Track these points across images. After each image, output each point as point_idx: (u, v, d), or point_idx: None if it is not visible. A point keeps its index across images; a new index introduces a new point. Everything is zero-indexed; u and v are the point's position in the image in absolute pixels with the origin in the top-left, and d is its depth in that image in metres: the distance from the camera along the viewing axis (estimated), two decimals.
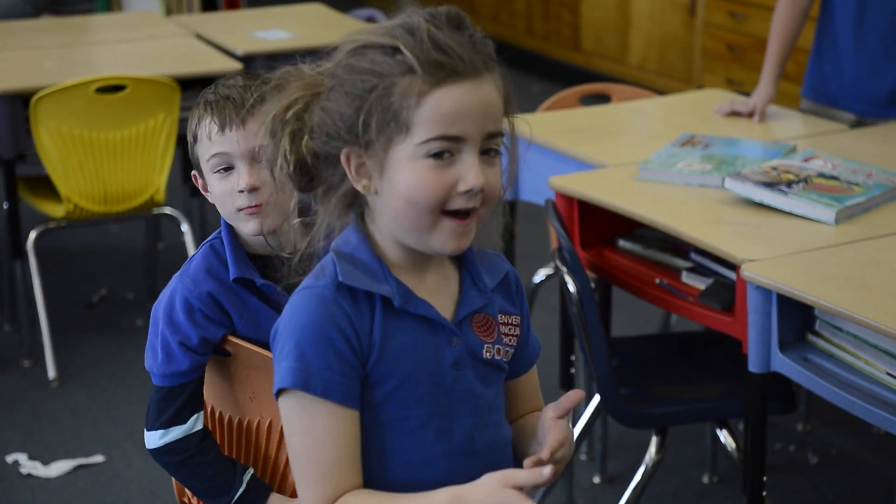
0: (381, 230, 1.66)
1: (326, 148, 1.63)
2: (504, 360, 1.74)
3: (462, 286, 1.71)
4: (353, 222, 1.68)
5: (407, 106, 1.57)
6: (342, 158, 1.62)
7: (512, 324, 1.75)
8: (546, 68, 7.77)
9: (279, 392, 1.63)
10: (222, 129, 2.11)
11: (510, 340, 1.74)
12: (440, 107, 1.57)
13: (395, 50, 1.58)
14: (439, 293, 1.69)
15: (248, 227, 2.14)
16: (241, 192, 2.12)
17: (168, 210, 4.35)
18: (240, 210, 2.13)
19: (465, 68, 1.57)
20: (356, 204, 1.67)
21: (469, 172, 1.58)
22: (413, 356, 1.65)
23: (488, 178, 1.59)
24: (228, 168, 2.14)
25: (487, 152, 1.61)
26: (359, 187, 1.63)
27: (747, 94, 3.97)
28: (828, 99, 3.77)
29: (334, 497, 1.60)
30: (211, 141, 2.13)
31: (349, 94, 1.60)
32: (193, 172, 2.21)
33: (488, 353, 1.71)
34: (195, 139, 2.16)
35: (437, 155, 1.58)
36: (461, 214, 1.60)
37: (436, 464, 1.64)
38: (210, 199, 2.19)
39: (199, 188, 2.20)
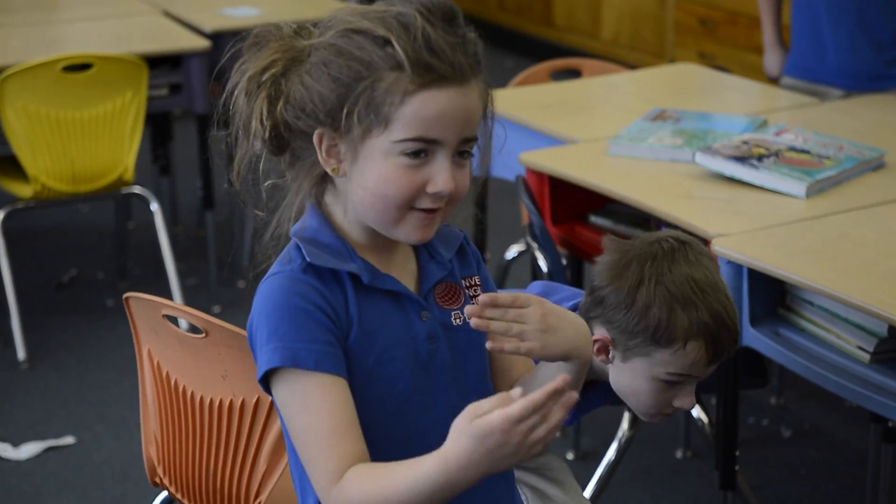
0: (345, 211, 1.66)
1: (300, 124, 1.62)
2: None
3: (420, 261, 1.72)
4: (311, 207, 1.67)
5: (390, 102, 1.57)
6: (315, 138, 1.62)
7: (475, 284, 1.76)
8: (518, 43, 7.74)
9: (267, 378, 1.61)
10: (710, 363, 2.08)
11: (472, 300, 1.74)
12: (423, 109, 1.57)
13: (387, 42, 1.57)
14: (403, 270, 1.70)
15: None
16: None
17: (137, 189, 4.32)
18: None
19: (452, 74, 1.57)
20: (323, 183, 1.65)
21: (440, 176, 1.59)
22: (388, 332, 1.65)
23: (457, 181, 1.61)
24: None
25: (461, 154, 1.61)
26: (327, 168, 1.63)
27: (720, 68, 3.98)
28: (811, 76, 3.78)
29: (343, 466, 1.57)
30: (693, 366, 2.08)
31: (333, 77, 1.59)
32: None
33: (457, 320, 1.71)
34: (667, 344, 2.08)
35: (412, 154, 1.58)
36: (427, 210, 1.61)
37: (423, 439, 1.63)
38: None
39: None
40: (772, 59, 4.02)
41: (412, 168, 1.58)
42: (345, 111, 1.58)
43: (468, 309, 1.57)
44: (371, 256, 1.66)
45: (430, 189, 1.59)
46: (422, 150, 1.58)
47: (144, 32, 4.59)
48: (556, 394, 1.41)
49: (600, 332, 2.06)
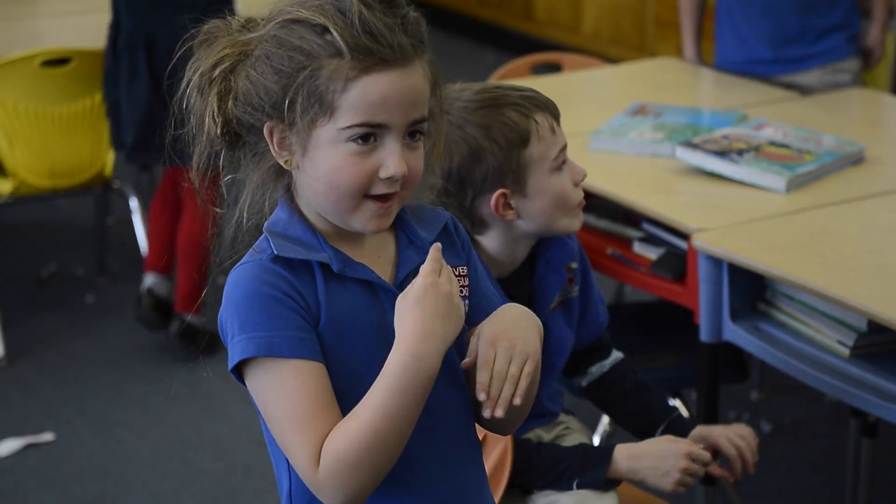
0: (306, 203, 1.66)
1: (249, 119, 1.62)
2: None
3: (399, 247, 1.70)
4: (282, 199, 1.67)
5: (333, 90, 1.56)
6: (265, 131, 1.61)
7: (459, 275, 1.73)
8: (498, 38, 7.74)
9: (240, 368, 1.60)
10: (557, 120, 2.21)
11: (461, 291, 1.72)
12: (366, 94, 1.56)
13: (325, 29, 1.56)
14: (377, 258, 1.68)
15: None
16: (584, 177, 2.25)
17: (117, 185, 4.30)
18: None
19: (393, 56, 1.56)
20: (284, 175, 1.65)
21: (390, 159, 1.58)
22: (360, 320, 1.64)
23: (410, 163, 1.60)
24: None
25: (412, 135, 1.61)
26: (281, 162, 1.63)
27: (701, 62, 3.97)
28: (736, 67, 3.81)
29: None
30: (555, 134, 2.19)
31: (275, 68, 1.58)
32: (504, 190, 2.19)
33: None
34: (526, 141, 2.17)
35: (360, 140, 1.57)
36: (382, 197, 1.61)
37: None
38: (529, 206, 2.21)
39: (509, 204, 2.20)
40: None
41: (362, 154, 1.58)
42: (288, 102, 1.57)
43: (496, 412, 1.56)
44: (343, 245, 1.65)
45: (382, 174, 1.58)
46: (369, 134, 1.57)
47: None
48: (438, 248, 1.58)
49: (487, 200, 2.16)
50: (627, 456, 2.25)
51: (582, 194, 2.24)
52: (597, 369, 2.42)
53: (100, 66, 4.03)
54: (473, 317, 1.72)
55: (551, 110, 2.20)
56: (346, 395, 1.62)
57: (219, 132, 1.63)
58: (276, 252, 1.61)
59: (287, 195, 1.67)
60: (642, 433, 2.39)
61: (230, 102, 1.62)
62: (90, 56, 4.04)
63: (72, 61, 4.02)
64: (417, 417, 1.55)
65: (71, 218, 5.33)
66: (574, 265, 2.32)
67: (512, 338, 1.60)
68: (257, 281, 1.60)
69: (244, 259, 1.64)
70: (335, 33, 1.55)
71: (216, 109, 1.62)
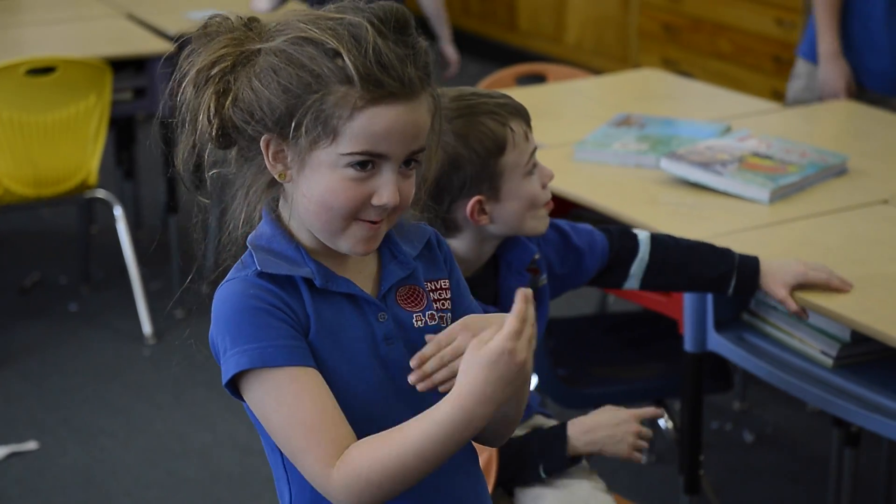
0: (295, 217, 1.65)
1: (248, 128, 1.61)
2: (441, 324, 1.72)
3: (382, 261, 1.71)
4: (266, 213, 1.67)
5: (339, 115, 1.56)
6: (262, 143, 1.61)
7: (441, 288, 1.74)
8: (482, 48, 7.75)
9: (235, 382, 1.60)
10: (529, 127, 2.22)
11: (442, 305, 1.74)
12: (372, 125, 1.57)
13: (337, 54, 1.56)
14: (360, 272, 1.69)
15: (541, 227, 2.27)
16: (551, 179, 2.26)
17: (101, 193, 4.30)
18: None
19: (402, 90, 1.57)
20: (274, 185, 1.65)
21: (385, 189, 1.59)
22: (348, 331, 1.65)
23: (402, 191, 1.61)
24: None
25: (407, 163, 1.62)
26: (274, 174, 1.62)
27: (684, 73, 3.98)
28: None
29: (335, 449, 1.57)
30: (527, 140, 2.21)
31: (283, 85, 1.58)
32: (479, 197, 2.20)
33: (419, 322, 1.70)
34: (503, 149, 2.18)
35: (359, 166, 1.58)
36: (372, 221, 1.62)
37: None
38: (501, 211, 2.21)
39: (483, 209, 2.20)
40: (829, 71, 3.80)
41: (358, 180, 1.58)
42: (293, 122, 1.57)
43: (410, 378, 1.56)
44: (325, 259, 1.66)
45: (376, 202, 1.59)
46: (368, 161, 1.58)
47: (108, 36, 4.57)
48: (528, 299, 1.49)
49: (463, 206, 2.18)
50: (582, 431, 2.29)
51: (549, 195, 2.26)
52: (637, 267, 2.44)
53: (84, 75, 4.03)
54: None
55: (524, 116, 2.22)
56: (341, 402, 1.62)
57: (213, 133, 1.62)
58: (259, 268, 1.62)
59: (272, 208, 1.67)
60: (721, 287, 2.46)
61: (227, 105, 1.61)
62: (75, 65, 4.04)
63: (56, 70, 4.02)
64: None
65: (55, 226, 5.32)
66: (537, 256, 2.33)
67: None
68: (244, 295, 1.60)
69: (230, 275, 1.65)
70: (348, 61, 1.55)
71: (213, 109, 1.61)
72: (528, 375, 1.53)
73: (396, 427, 1.55)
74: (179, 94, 1.65)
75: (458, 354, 1.55)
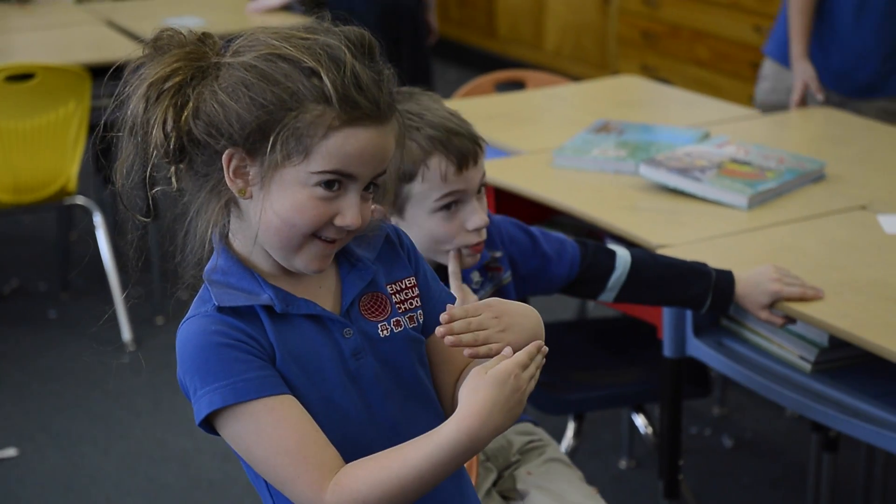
0: (248, 237, 1.64)
1: (210, 141, 1.59)
2: (411, 326, 1.72)
3: (340, 273, 1.70)
4: (217, 244, 1.65)
5: (313, 134, 1.56)
6: (224, 157, 1.59)
7: (406, 287, 1.73)
8: (461, 55, 7.77)
9: (210, 421, 1.60)
10: (460, 168, 2.14)
11: (410, 304, 1.73)
12: (345, 145, 1.57)
13: (314, 73, 1.56)
14: (319, 289, 1.68)
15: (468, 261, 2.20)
16: (476, 230, 2.17)
17: (80, 200, 4.29)
18: (467, 247, 2.18)
19: (377, 113, 1.58)
20: (230, 203, 1.63)
21: (350, 211, 1.60)
22: (313, 353, 1.64)
23: (363, 215, 1.62)
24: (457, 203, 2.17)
25: (367, 187, 1.63)
26: (234, 189, 1.60)
27: (663, 80, 3.99)
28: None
29: (325, 473, 1.56)
30: (445, 181, 2.14)
31: (255, 101, 1.56)
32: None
33: (384, 331, 1.69)
34: (410, 177, 2.14)
35: (327, 185, 1.58)
36: (329, 240, 1.62)
37: (370, 452, 1.62)
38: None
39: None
40: (803, 70, 3.80)
41: (325, 200, 1.58)
42: (266, 138, 1.56)
43: (438, 331, 1.57)
44: (283, 282, 1.65)
45: (339, 222, 1.60)
46: (336, 181, 1.58)
47: (87, 42, 4.56)
48: (539, 348, 1.56)
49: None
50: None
51: (474, 240, 2.19)
52: (613, 283, 2.45)
53: (64, 81, 4.02)
54: (429, 323, 1.73)
55: (461, 157, 2.14)
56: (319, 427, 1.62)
57: (170, 147, 1.60)
58: (216, 303, 1.61)
59: (223, 235, 1.65)
60: (696, 306, 2.49)
61: (186, 118, 1.59)
62: (54, 71, 4.04)
63: (36, 76, 4.01)
64: None
65: (34, 233, 5.31)
66: (498, 254, 2.33)
67: (508, 320, 1.61)
68: (207, 332, 1.59)
69: (190, 312, 1.64)
70: (326, 80, 1.55)
71: (169, 123, 1.59)
72: (521, 410, 1.54)
73: (394, 448, 1.56)
74: (128, 108, 1.63)
75: (482, 326, 1.58)
